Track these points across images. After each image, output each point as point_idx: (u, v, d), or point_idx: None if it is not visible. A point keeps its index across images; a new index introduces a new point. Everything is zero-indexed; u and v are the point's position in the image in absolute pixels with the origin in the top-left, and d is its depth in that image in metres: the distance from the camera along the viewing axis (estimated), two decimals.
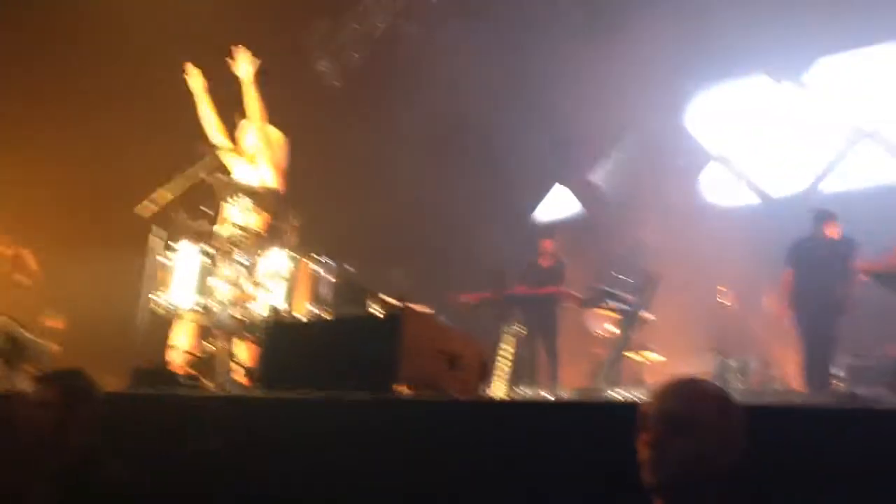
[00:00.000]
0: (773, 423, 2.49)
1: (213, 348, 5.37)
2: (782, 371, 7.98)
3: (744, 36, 9.21)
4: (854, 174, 9.49)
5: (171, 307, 5.50)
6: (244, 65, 6.18)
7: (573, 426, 2.91)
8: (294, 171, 6.40)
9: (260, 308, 5.43)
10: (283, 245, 5.73)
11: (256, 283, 5.45)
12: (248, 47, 6.27)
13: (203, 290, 5.43)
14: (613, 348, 8.08)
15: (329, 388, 3.57)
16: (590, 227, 10.84)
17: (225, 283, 5.40)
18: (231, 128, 6.32)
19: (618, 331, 8.20)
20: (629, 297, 8.17)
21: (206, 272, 5.46)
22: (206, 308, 5.42)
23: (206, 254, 5.51)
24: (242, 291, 5.40)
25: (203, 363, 5.38)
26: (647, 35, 9.07)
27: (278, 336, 4.57)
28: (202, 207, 5.68)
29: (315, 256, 5.79)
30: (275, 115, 6.34)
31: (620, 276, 8.55)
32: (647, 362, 8.32)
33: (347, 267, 6.05)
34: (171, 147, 6.20)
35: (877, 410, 3.19)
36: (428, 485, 3.03)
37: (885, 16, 8.70)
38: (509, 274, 8.93)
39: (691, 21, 9.25)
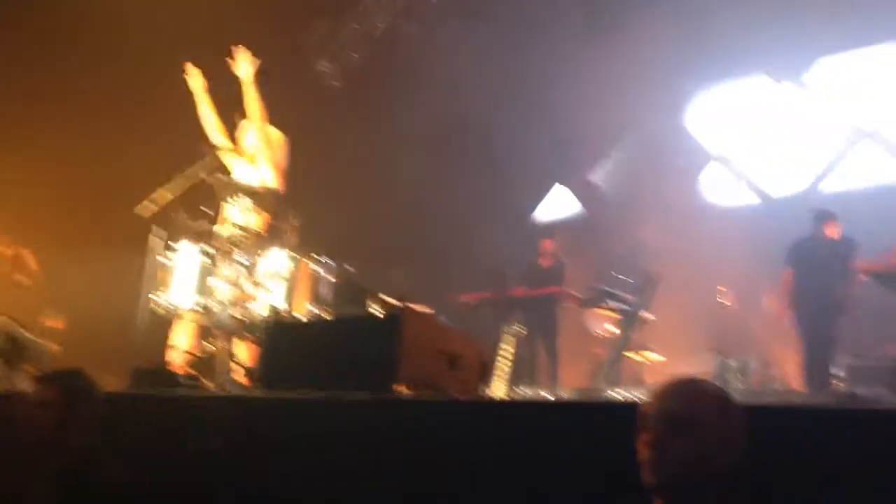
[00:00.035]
0: (772, 423, 2.49)
1: (213, 348, 5.37)
2: (782, 371, 7.98)
3: (744, 36, 9.21)
4: (854, 174, 9.49)
5: (171, 307, 5.50)
6: (244, 65, 6.18)
7: (573, 426, 2.91)
8: (294, 171, 6.40)
9: (260, 308, 5.43)
10: (283, 245, 5.73)
11: (256, 283, 5.45)
12: (248, 47, 6.28)
13: (203, 290, 5.43)
14: (613, 348, 8.08)
15: (329, 389, 3.57)
16: (590, 228, 10.84)
17: (225, 283, 5.40)
18: (231, 128, 6.32)
19: (618, 331, 8.20)
20: (629, 297, 8.17)
21: (206, 272, 5.46)
22: (206, 308, 5.42)
23: (206, 254, 5.51)
24: (242, 291, 5.40)
25: (203, 363, 5.38)
26: (647, 35, 9.08)
27: (278, 336, 4.57)
28: (202, 207, 5.68)
29: (315, 256, 5.79)
30: (275, 116, 6.34)
31: (620, 277, 8.56)
32: (647, 362, 8.32)
33: (347, 267, 6.06)
34: (172, 147, 6.20)
35: (877, 411, 3.19)
36: (428, 485, 3.03)
37: (884, 16, 8.70)
38: (509, 274, 8.92)
39: (691, 21, 9.25)
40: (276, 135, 6.31)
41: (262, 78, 6.20)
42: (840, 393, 6.64)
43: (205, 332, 5.64)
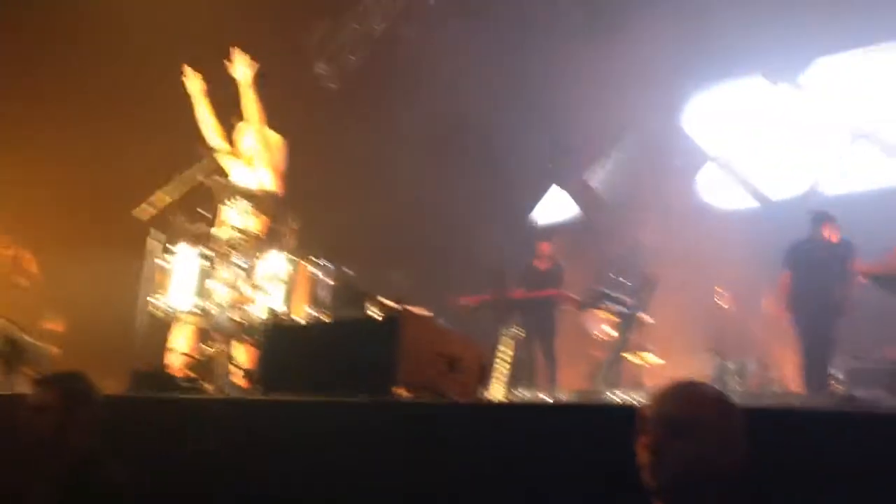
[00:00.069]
0: (771, 425, 2.49)
1: (212, 351, 5.37)
2: (781, 373, 7.98)
3: (741, 37, 9.21)
4: (852, 175, 9.49)
5: (170, 310, 5.50)
6: (242, 67, 6.18)
7: (572, 429, 2.91)
8: (293, 173, 6.40)
9: (258, 311, 5.43)
10: (281, 248, 5.73)
11: (255, 286, 5.45)
12: (247, 49, 6.28)
13: (202, 292, 5.43)
14: (612, 350, 8.08)
15: (328, 391, 3.57)
16: (587, 230, 10.85)
17: (223, 285, 5.40)
18: (229, 130, 6.32)
19: (616, 333, 8.20)
20: (627, 299, 8.17)
21: (205, 275, 5.46)
22: (204, 311, 5.42)
23: (205, 256, 5.50)
24: (241, 294, 5.40)
25: (202, 366, 5.37)
26: (645, 36, 9.08)
27: (277, 339, 4.57)
28: (200, 210, 5.67)
29: (313, 259, 5.79)
30: (273, 118, 6.34)
31: (618, 278, 8.56)
32: (646, 364, 8.32)
33: (346, 270, 6.06)
34: (171, 149, 6.20)
35: (875, 413, 3.19)
36: (427, 488, 3.03)
37: (882, 16, 8.70)
38: (508, 276, 8.92)
39: (690, 22, 9.26)
40: (273, 137, 6.31)
41: (260, 80, 6.20)
42: (838, 395, 6.64)
43: (203, 335, 5.64)
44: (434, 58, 9.86)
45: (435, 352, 3.91)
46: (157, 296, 5.46)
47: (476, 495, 2.96)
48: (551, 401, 6.36)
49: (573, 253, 9.41)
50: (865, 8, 8.67)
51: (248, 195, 5.76)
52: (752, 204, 10.12)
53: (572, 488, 2.76)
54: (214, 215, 5.81)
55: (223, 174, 6.06)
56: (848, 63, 9.67)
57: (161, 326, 5.63)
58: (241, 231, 5.56)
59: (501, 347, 6.88)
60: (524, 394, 7.27)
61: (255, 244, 5.62)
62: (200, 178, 5.67)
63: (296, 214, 5.94)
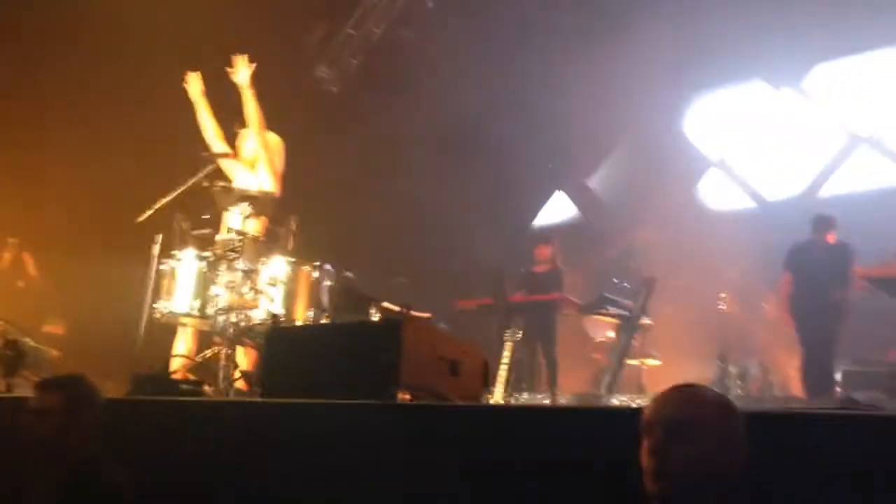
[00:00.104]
0: (772, 428, 2.49)
1: (214, 354, 5.37)
2: (782, 376, 7.98)
3: (742, 42, 9.24)
4: (852, 179, 9.51)
5: (172, 313, 5.50)
6: (243, 71, 6.19)
7: (573, 432, 2.91)
8: (294, 176, 6.41)
9: (260, 314, 5.43)
10: (282, 251, 5.74)
11: (256, 290, 5.45)
12: (247, 52, 6.29)
13: (203, 296, 5.44)
14: (613, 355, 8.08)
15: (330, 395, 3.57)
16: (586, 233, 10.85)
17: (225, 289, 5.40)
18: (230, 134, 6.33)
19: (617, 337, 8.20)
20: (628, 302, 8.17)
21: (207, 279, 5.47)
22: (206, 314, 5.42)
23: (207, 260, 5.51)
24: (242, 298, 5.40)
25: (203, 369, 5.38)
26: (646, 40, 9.10)
27: (278, 342, 4.56)
28: (203, 216, 5.68)
29: (314, 262, 5.80)
30: (274, 121, 6.35)
31: (616, 281, 8.56)
32: (647, 368, 8.32)
33: (347, 273, 6.06)
34: (175, 154, 6.21)
35: (875, 416, 3.19)
36: (429, 491, 3.03)
37: (881, 21, 8.72)
38: (508, 279, 8.92)
39: (690, 27, 9.27)
40: (274, 140, 6.33)
41: (258, 82, 6.21)
42: (839, 398, 6.64)
43: (205, 338, 5.64)
44: (434, 60, 9.87)
45: (436, 355, 3.91)
46: (159, 299, 5.46)
47: (477, 498, 2.95)
48: (553, 405, 6.37)
49: (572, 256, 9.40)
50: (865, 13, 8.69)
51: (249, 197, 5.76)
52: (752, 206, 10.13)
53: (574, 491, 2.76)
54: (217, 220, 5.82)
55: (225, 179, 6.06)
56: (848, 68, 9.68)
57: (163, 330, 5.64)
58: (241, 233, 5.56)
59: (502, 351, 6.88)
60: (525, 397, 7.28)
61: (256, 247, 5.62)
62: (204, 183, 5.68)
63: (296, 217, 5.95)
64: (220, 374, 5.19)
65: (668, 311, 8.29)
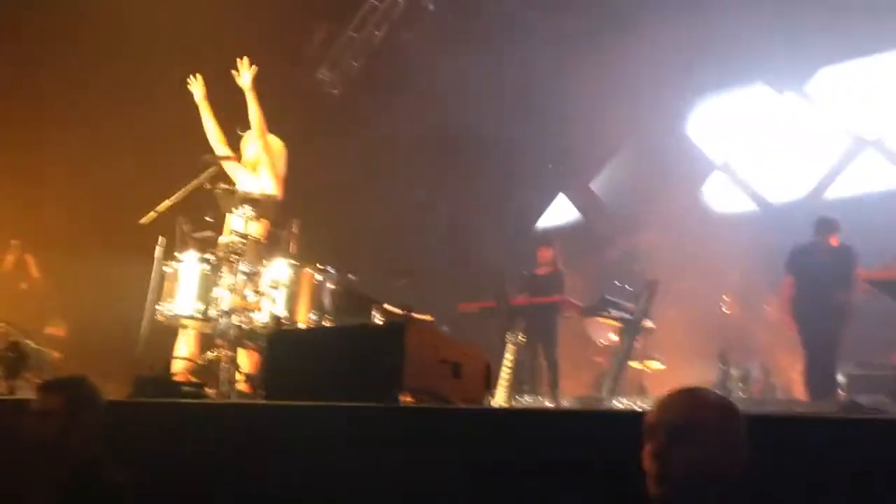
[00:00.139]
0: (774, 432, 2.49)
1: (216, 356, 5.37)
2: (784, 379, 7.97)
3: (746, 46, 9.24)
4: (856, 182, 9.50)
5: (175, 316, 5.50)
6: (246, 74, 6.20)
7: (575, 435, 2.91)
8: (296, 179, 6.41)
9: (262, 317, 5.43)
10: (284, 253, 5.74)
11: (258, 292, 5.45)
12: (249, 54, 6.29)
13: (206, 298, 5.44)
14: (616, 358, 8.08)
15: (332, 397, 3.57)
16: (589, 235, 10.85)
17: (227, 291, 5.40)
18: (233, 137, 6.33)
19: (619, 339, 8.20)
20: (630, 305, 8.17)
21: (209, 281, 5.47)
22: (208, 316, 5.42)
23: (209, 263, 5.51)
24: (244, 300, 5.40)
25: (205, 371, 5.38)
26: (650, 44, 9.11)
27: (280, 345, 4.56)
28: (206, 218, 5.68)
29: (317, 265, 5.79)
30: (276, 123, 6.35)
31: (618, 284, 8.56)
32: (649, 371, 8.32)
33: (349, 275, 6.06)
34: (175, 155, 6.21)
35: (878, 419, 3.19)
36: (431, 494, 3.02)
37: (884, 25, 8.72)
38: (510, 282, 8.92)
39: (694, 31, 9.27)
40: (276, 143, 6.33)
41: (260, 84, 6.22)
42: (842, 401, 6.63)
43: (207, 341, 5.64)
44: (436, 62, 9.88)
45: (439, 358, 3.91)
46: (162, 302, 5.46)
47: (479, 501, 2.95)
48: (555, 408, 6.36)
49: (574, 258, 9.40)
50: (868, 17, 8.68)
51: (250, 200, 5.76)
52: (756, 209, 10.12)
53: (576, 495, 2.76)
54: (219, 222, 5.81)
55: (228, 181, 6.07)
56: (852, 72, 9.68)
57: (165, 332, 5.64)
58: (243, 236, 5.56)
59: (504, 354, 6.88)
60: (527, 400, 7.27)
61: (257, 249, 5.62)
62: (206, 186, 5.68)
63: (298, 219, 5.95)
64: (222, 377, 5.18)
65: (671, 313, 8.29)
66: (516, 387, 7.22)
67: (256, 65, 6.24)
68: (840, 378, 7.15)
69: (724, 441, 2.03)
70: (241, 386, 5.29)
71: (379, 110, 10.16)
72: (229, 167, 6.18)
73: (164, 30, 8.73)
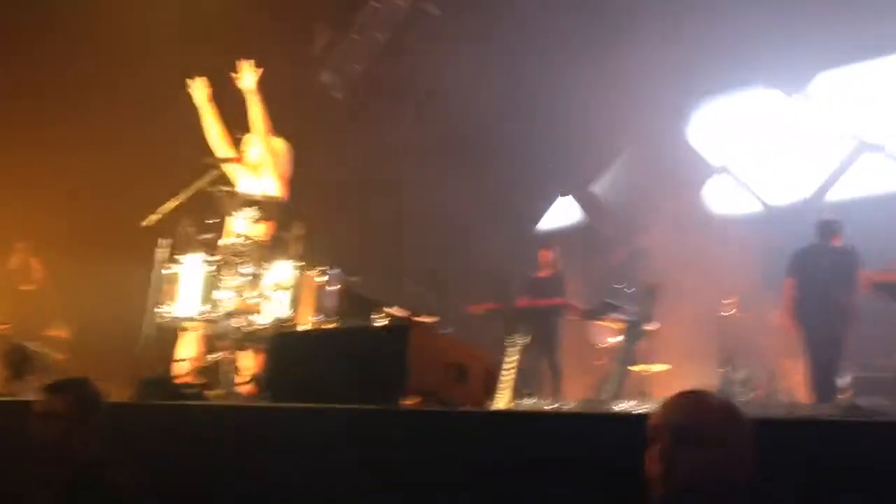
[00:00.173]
0: (778, 434, 2.48)
1: (219, 358, 5.37)
2: (787, 382, 7.95)
3: (747, 49, 9.23)
4: (857, 184, 9.48)
5: (177, 318, 5.51)
6: (249, 76, 6.20)
7: (578, 438, 2.91)
8: (299, 180, 6.41)
9: (265, 319, 5.43)
10: (287, 255, 5.74)
11: (261, 294, 5.45)
12: (252, 56, 6.30)
13: (208, 300, 5.44)
14: (618, 361, 8.06)
15: (335, 400, 3.57)
16: (590, 238, 10.84)
17: (230, 293, 5.40)
18: (236, 140, 6.33)
19: (622, 342, 8.18)
20: (632, 308, 8.15)
21: (212, 283, 5.47)
22: (211, 318, 5.42)
23: (212, 265, 5.51)
24: (247, 302, 5.40)
25: (208, 373, 5.38)
26: (652, 46, 9.09)
27: (283, 346, 4.57)
28: (208, 220, 5.69)
29: (320, 267, 5.79)
30: (279, 126, 6.36)
31: (620, 287, 8.54)
32: (652, 374, 8.30)
33: (352, 277, 6.06)
34: (177, 156, 6.22)
35: (881, 422, 3.18)
36: (434, 495, 3.02)
37: (886, 28, 8.71)
38: (512, 284, 8.92)
39: (695, 33, 9.27)
40: (279, 145, 6.33)
41: (264, 86, 6.22)
42: (845, 405, 6.61)
43: (210, 343, 5.64)
44: (439, 66, 9.88)
45: (443, 360, 3.91)
46: (164, 304, 5.46)
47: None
48: (557, 410, 6.34)
49: (575, 261, 9.39)
50: (869, 20, 8.68)
51: (253, 202, 5.76)
52: (757, 211, 10.11)
53: (580, 498, 2.76)
54: (222, 224, 5.82)
55: (230, 183, 6.07)
56: (855, 74, 9.67)
57: (168, 334, 5.64)
58: (246, 237, 5.56)
59: (507, 356, 6.87)
60: (529, 403, 7.26)
61: (260, 251, 5.62)
62: (208, 188, 5.68)
63: (301, 221, 5.95)
64: (224, 379, 5.18)
65: (673, 316, 8.27)
66: (518, 390, 7.21)
67: (259, 67, 6.24)
68: (843, 381, 7.12)
69: (728, 444, 2.03)
70: (244, 388, 5.29)
71: (383, 113, 10.16)
72: (231, 169, 6.17)
73: (167, 31, 8.75)
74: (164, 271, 5.48)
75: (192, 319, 5.49)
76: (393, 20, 10.61)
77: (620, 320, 8.22)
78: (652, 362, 8.25)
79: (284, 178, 6.27)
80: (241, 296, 5.40)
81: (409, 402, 3.64)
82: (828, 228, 7.42)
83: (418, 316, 5.82)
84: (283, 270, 5.62)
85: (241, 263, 5.46)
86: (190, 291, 5.48)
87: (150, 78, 8.59)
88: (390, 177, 9.89)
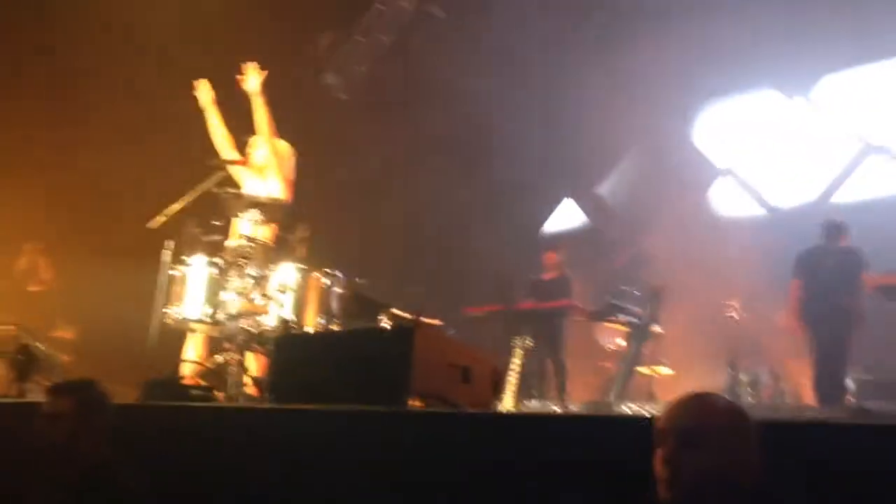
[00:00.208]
0: (784, 437, 2.48)
1: (224, 360, 5.38)
2: (793, 384, 7.93)
3: (752, 51, 9.22)
4: (863, 186, 9.47)
5: (183, 319, 5.51)
6: (253, 78, 6.20)
7: (584, 440, 2.91)
8: (303, 182, 6.42)
9: (270, 320, 5.43)
10: (292, 257, 5.75)
11: (267, 296, 5.46)
12: (256, 58, 6.30)
13: (214, 302, 5.45)
14: (624, 363, 8.05)
15: (340, 401, 3.57)
16: (596, 240, 10.84)
17: (235, 295, 5.41)
18: (241, 142, 6.34)
19: (627, 344, 8.18)
20: (638, 310, 8.14)
21: (217, 285, 5.48)
22: (216, 320, 5.43)
23: (217, 266, 5.52)
24: (253, 304, 5.41)
25: (214, 375, 5.38)
26: (657, 49, 9.10)
27: (288, 348, 4.57)
28: (214, 221, 5.70)
29: (325, 269, 5.80)
30: (283, 128, 6.37)
31: (626, 289, 8.54)
32: (658, 376, 8.29)
33: (357, 279, 6.06)
34: (183, 157, 6.23)
35: (887, 425, 3.18)
36: (439, 497, 3.02)
37: (893, 32, 8.70)
38: (517, 286, 8.91)
39: (701, 36, 9.27)
40: (284, 147, 6.34)
41: (268, 88, 6.23)
42: (851, 407, 6.60)
43: (216, 344, 5.65)
44: (443, 68, 9.88)
45: (448, 362, 3.91)
46: (170, 306, 5.47)
47: None
48: (563, 413, 6.35)
49: (581, 263, 9.38)
50: (875, 23, 8.66)
51: (257, 204, 5.77)
52: (763, 214, 10.10)
53: (586, 500, 2.75)
54: (227, 226, 5.83)
55: (236, 186, 6.08)
56: (859, 77, 9.65)
57: (173, 336, 5.65)
58: (251, 240, 5.57)
59: (512, 358, 6.87)
60: (534, 405, 7.26)
61: (265, 253, 5.63)
62: (214, 189, 5.69)
63: (306, 224, 5.96)
64: (230, 381, 5.19)
65: (679, 318, 8.26)
66: (524, 391, 7.21)
67: (263, 69, 6.25)
68: (849, 383, 7.11)
69: (734, 446, 2.03)
70: (250, 390, 5.29)
71: (387, 115, 10.17)
72: (236, 171, 6.18)
73: (170, 32, 8.76)
74: (170, 273, 5.49)
75: (198, 321, 5.50)
76: (398, 22, 10.61)
77: (626, 322, 8.21)
78: (658, 364, 8.25)
79: (288, 180, 6.28)
80: (247, 298, 5.40)
81: (413, 403, 3.64)
82: (833, 229, 7.40)
83: (422, 317, 5.81)
84: (288, 272, 5.63)
85: (247, 265, 5.46)
86: (196, 293, 5.49)
87: (157, 80, 8.61)
88: (395, 178, 9.89)
